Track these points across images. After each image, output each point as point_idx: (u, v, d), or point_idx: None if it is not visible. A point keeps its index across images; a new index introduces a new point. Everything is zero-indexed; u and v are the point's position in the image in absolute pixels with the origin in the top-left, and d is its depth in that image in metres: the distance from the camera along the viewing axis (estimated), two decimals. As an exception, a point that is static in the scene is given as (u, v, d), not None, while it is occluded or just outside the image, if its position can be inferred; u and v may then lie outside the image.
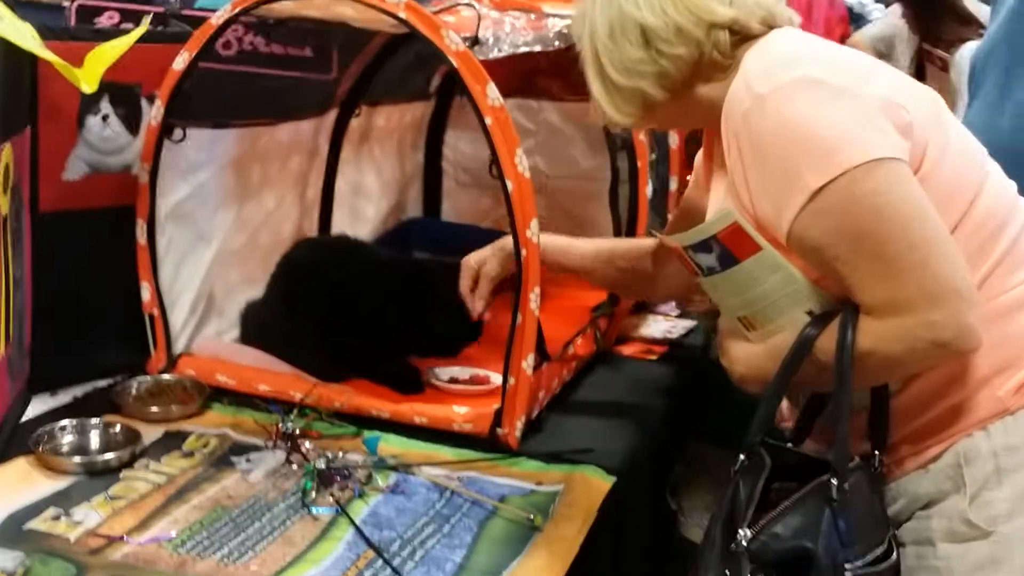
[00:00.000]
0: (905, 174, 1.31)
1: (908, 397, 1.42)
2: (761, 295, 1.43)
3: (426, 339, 2.06)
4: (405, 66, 2.52)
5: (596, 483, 1.77)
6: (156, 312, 2.04)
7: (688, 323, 2.52)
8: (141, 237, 2.01)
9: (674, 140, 2.64)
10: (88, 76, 1.74)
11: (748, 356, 1.50)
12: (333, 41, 2.29)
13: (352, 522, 1.59)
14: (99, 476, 1.70)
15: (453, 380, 2.10)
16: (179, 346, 2.09)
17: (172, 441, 1.84)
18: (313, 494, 1.67)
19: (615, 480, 1.79)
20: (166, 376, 2.03)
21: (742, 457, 1.41)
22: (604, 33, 1.49)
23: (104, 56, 1.78)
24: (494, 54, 1.93)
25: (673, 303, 2.62)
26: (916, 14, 3.57)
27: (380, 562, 1.51)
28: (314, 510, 1.63)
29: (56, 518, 1.57)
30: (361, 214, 2.65)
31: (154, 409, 1.92)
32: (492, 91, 1.79)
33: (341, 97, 2.40)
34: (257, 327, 2.15)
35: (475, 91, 1.79)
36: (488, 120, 1.79)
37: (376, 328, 2.04)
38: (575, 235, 2.60)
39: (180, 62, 1.93)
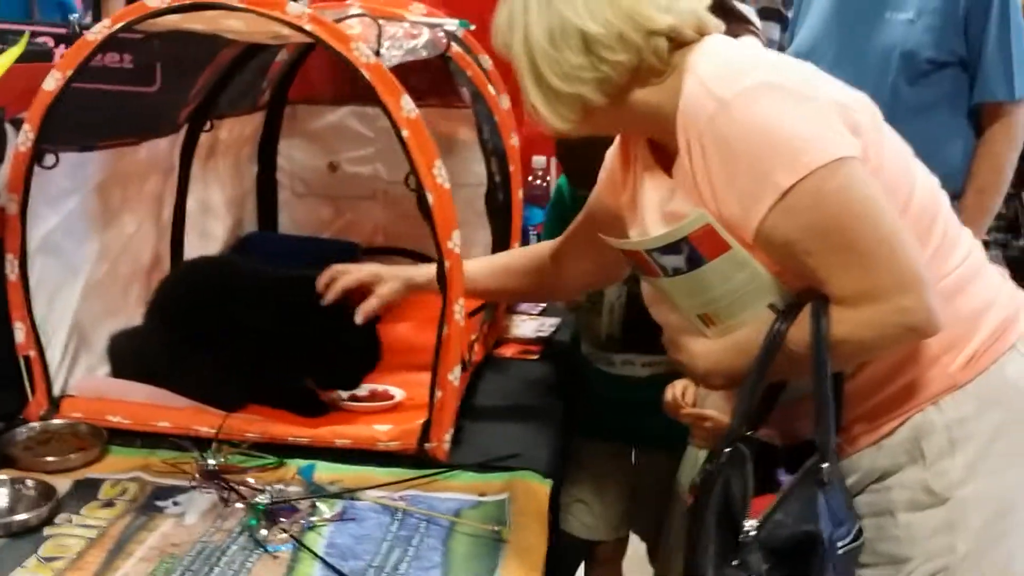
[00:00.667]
0: (863, 171, 1.40)
1: (863, 379, 1.51)
2: (726, 292, 1.48)
3: (329, 367, 2.00)
4: (247, 77, 2.43)
5: (535, 488, 1.78)
6: (33, 353, 1.88)
7: (553, 320, 2.56)
8: (12, 273, 1.84)
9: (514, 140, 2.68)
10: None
11: (710, 352, 1.55)
12: (184, 54, 2.17)
13: (319, 557, 1.53)
14: (19, 537, 1.56)
15: (353, 398, 2.06)
16: (57, 388, 1.93)
17: (84, 491, 1.70)
18: (263, 532, 1.60)
19: (552, 483, 1.82)
20: (54, 422, 1.87)
21: (727, 451, 1.47)
22: (543, 39, 1.50)
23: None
24: (388, 63, 1.89)
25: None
26: None
27: (361, 594, 1.47)
28: (271, 548, 1.57)
29: (-5, 590, 1.44)
30: (210, 233, 2.52)
31: (50, 459, 1.77)
32: (407, 103, 1.76)
33: (193, 111, 2.28)
34: (138, 359, 2.03)
35: (389, 103, 1.76)
36: (405, 133, 1.76)
37: (278, 352, 1.97)
38: (419, 241, 2.60)
39: (52, 82, 1.78)
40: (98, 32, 1.77)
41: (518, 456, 1.87)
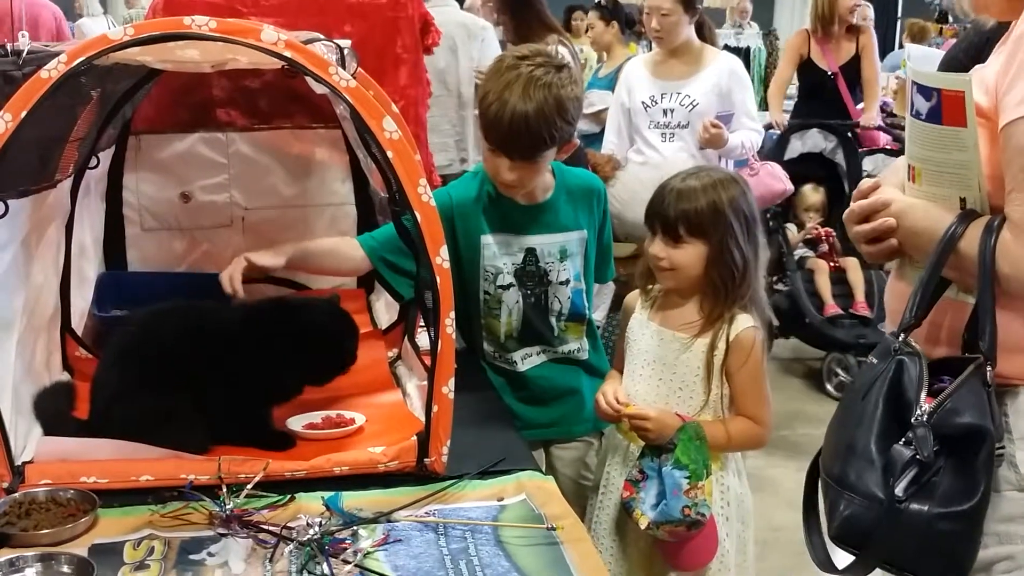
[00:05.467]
0: None
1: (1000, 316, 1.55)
2: (938, 161, 1.58)
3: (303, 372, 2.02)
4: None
5: (545, 486, 1.85)
6: (-8, 423, 1.72)
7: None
8: (-34, 339, 1.69)
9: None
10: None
11: (910, 202, 1.64)
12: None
13: (401, 581, 1.54)
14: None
15: (312, 426, 2.04)
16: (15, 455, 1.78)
17: (106, 558, 1.59)
18: (324, 568, 1.57)
19: (550, 478, 1.90)
20: (33, 491, 1.72)
21: (902, 337, 1.57)
22: None
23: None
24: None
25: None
26: (509, 20, 3.98)
27: (461, 613, 1.49)
28: (345, 582, 1.55)
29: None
30: (85, 277, 2.37)
31: (45, 531, 1.63)
32: (389, 124, 1.77)
33: (89, 148, 2.15)
34: (103, 412, 1.91)
35: (372, 126, 1.76)
36: (390, 154, 1.77)
37: (243, 389, 1.92)
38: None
39: (2, 125, 1.64)
40: (53, 69, 1.65)
41: (504, 460, 1.93)
